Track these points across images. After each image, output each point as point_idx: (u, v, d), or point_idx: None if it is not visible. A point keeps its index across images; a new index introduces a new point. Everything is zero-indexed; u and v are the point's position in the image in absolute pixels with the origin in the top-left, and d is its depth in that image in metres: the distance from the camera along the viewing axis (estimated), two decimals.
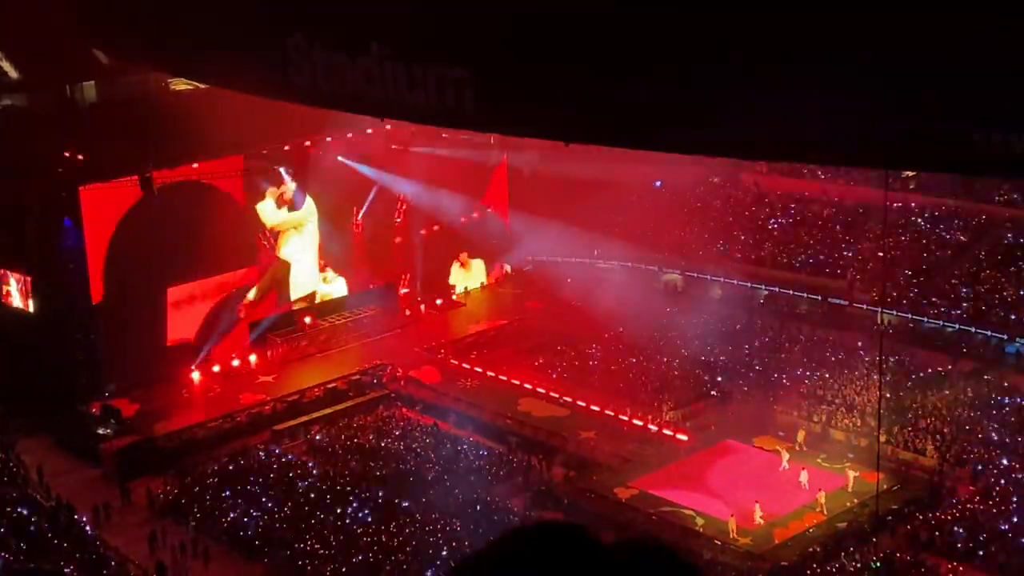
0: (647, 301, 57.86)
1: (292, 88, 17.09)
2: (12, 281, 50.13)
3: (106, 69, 50.70)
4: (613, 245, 62.84)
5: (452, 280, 63.28)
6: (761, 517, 39.48)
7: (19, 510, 39.19)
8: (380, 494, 41.93)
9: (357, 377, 51.60)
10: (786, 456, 43.00)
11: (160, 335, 51.12)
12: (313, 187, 56.63)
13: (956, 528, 38.45)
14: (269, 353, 53.99)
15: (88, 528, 39.58)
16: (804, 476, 41.17)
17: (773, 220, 61.28)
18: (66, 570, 35.39)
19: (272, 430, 47.66)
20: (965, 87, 12.74)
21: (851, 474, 41.76)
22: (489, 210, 64.35)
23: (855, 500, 40.51)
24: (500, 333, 57.36)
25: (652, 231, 63.02)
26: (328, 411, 49.12)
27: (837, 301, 54.79)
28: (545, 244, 62.21)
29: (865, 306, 53.50)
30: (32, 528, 38.10)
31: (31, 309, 49.50)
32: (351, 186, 58.08)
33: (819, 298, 55.51)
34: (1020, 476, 41.03)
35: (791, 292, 56.63)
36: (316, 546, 38.46)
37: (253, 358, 53.36)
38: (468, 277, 63.82)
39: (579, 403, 48.97)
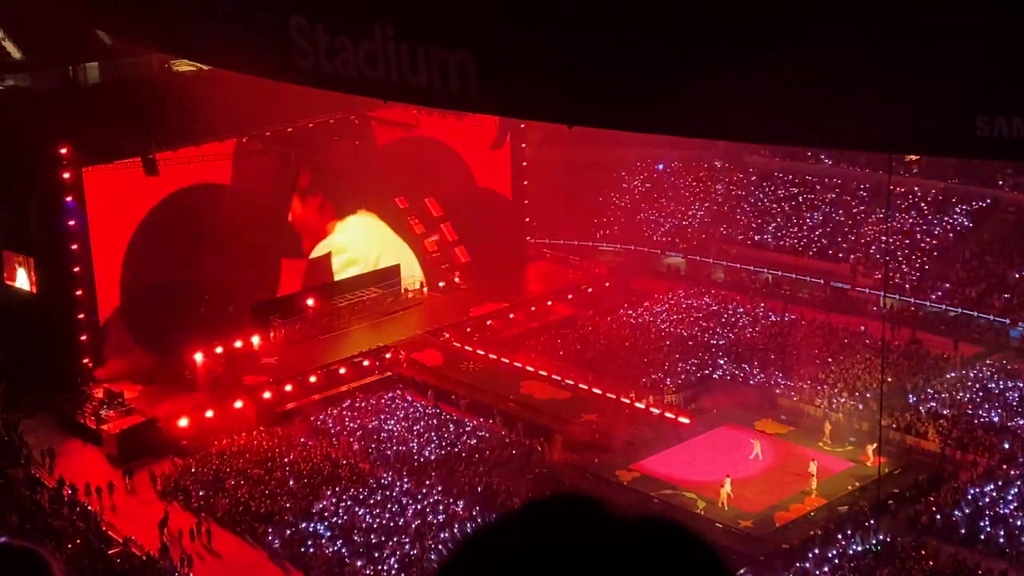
0: (649, 284, 57.92)
1: (295, 69, 17.10)
2: (15, 262, 50.15)
3: (109, 50, 50.62)
4: (616, 228, 62.88)
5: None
6: (731, 491, 39.67)
7: (22, 490, 39.33)
8: (382, 476, 42.04)
9: (359, 359, 51.63)
10: (758, 446, 42.75)
11: None
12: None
13: (957, 512, 38.50)
14: (272, 335, 54.03)
15: (91, 509, 39.69)
16: (814, 467, 41.10)
17: (776, 204, 61.24)
18: (67, 552, 35.52)
19: (275, 412, 47.71)
20: (969, 72, 12.73)
21: (870, 448, 41.83)
22: None
23: (856, 483, 40.60)
24: (502, 315, 57.34)
25: (655, 214, 63.04)
26: (330, 393, 49.15)
27: (840, 285, 54.81)
28: (548, 227, 62.24)
29: (868, 290, 53.54)
30: (35, 509, 38.22)
31: (34, 290, 49.54)
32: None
33: (822, 282, 55.52)
34: (1022, 460, 41.08)
35: (794, 276, 56.65)
36: (318, 528, 38.58)
37: (256, 339, 53.44)
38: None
39: (581, 386, 49.01)
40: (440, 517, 39.20)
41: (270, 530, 39.04)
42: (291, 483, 41.60)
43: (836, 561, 36.39)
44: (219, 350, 52.04)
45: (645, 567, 2.11)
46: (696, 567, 2.17)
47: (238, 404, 47.52)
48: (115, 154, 47.92)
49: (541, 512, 2.19)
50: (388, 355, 52.16)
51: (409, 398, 49.38)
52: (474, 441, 45.06)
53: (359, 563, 36.81)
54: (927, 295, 52.41)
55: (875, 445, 41.36)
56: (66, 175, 47.57)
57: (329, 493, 40.85)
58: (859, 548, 36.92)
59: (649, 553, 2.13)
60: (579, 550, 2.10)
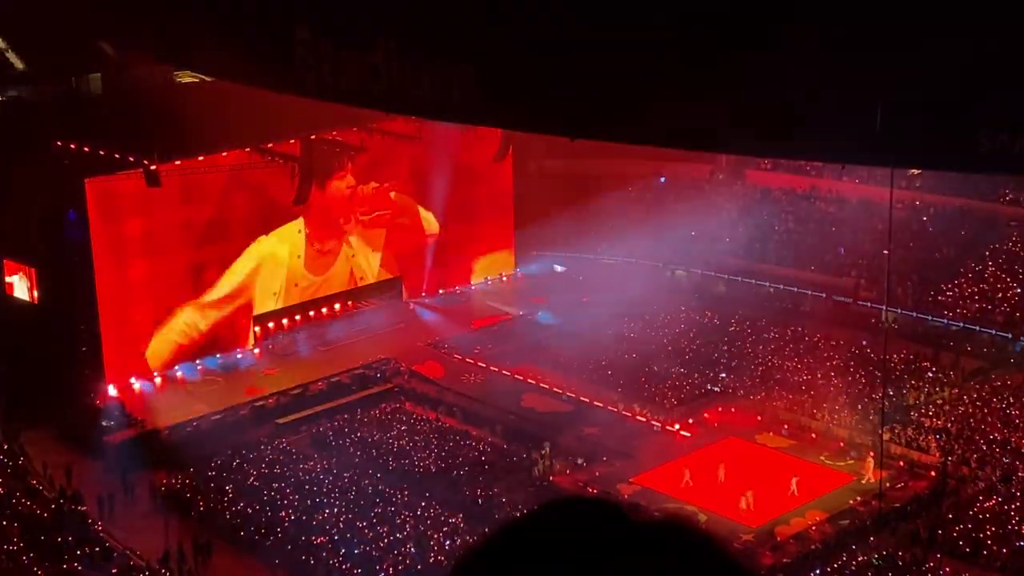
0: (651, 297, 57.86)
1: (298, 82, 17.12)
2: (17, 273, 50.15)
3: (112, 61, 50.69)
4: (618, 241, 62.85)
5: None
6: (724, 473, 41.09)
7: (24, 501, 39.26)
8: (382, 488, 41.97)
9: (360, 371, 51.61)
10: (692, 474, 42.53)
11: None
12: None
13: (958, 527, 38.43)
14: (270, 347, 54.08)
15: (91, 521, 39.59)
16: (794, 484, 41.08)
17: (778, 217, 61.22)
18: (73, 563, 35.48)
19: (275, 424, 47.67)
20: (971, 88, 12.74)
21: (870, 463, 41.79)
22: None
23: (857, 498, 40.56)
24: (504, 328, 57.36)
25: (657, 227, 62.99)
26: (331, 405, 49.11)
27: (842, 299, 54.76)
28: (550, 240, 62.27)
29: (870, 304, 53.47)
30: (35, 520, 38.17)
31: (35, 301, 49.53)
32: None
33: (824, 295, 55.47)
34: (1023, 475, 41.03)
35: (795, 289, 56.58)
36: (318, 540, 38.51)
37: (256, 351, 53.53)
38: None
39: (582, 399, 48.97)
40: (441, 530, 39.15)
41: (269, 543, 38.95)
42: (292, 495, 41.53)
43: (838, 574, 36.31)
44: (219, 360, 52.15)
45: (665, 568, 2.12)
46: (715, 569, 2.18)
47: (239, 416, 47.56)
48: (117, 165, 47.95)
49: (561, 513, 2.20)
50: (389, 367, 52.16)
51: (410, 410, 49.36)
52: (475, 453, 45.02)
53: (358, 571, 36.78)
54: (930, 309, 52.38)
55: (872, 460, 41.50)
56: (68, 186, 47.60)
57: (329, 506, 40.78)
58: (860, 562, 36.86)
59: (669, 554, 2.14)
60: (600, 550, 2.11)
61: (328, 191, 56.48)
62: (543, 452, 44.65)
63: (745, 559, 2.23)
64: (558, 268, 63.35)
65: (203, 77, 47.35)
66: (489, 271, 63.95)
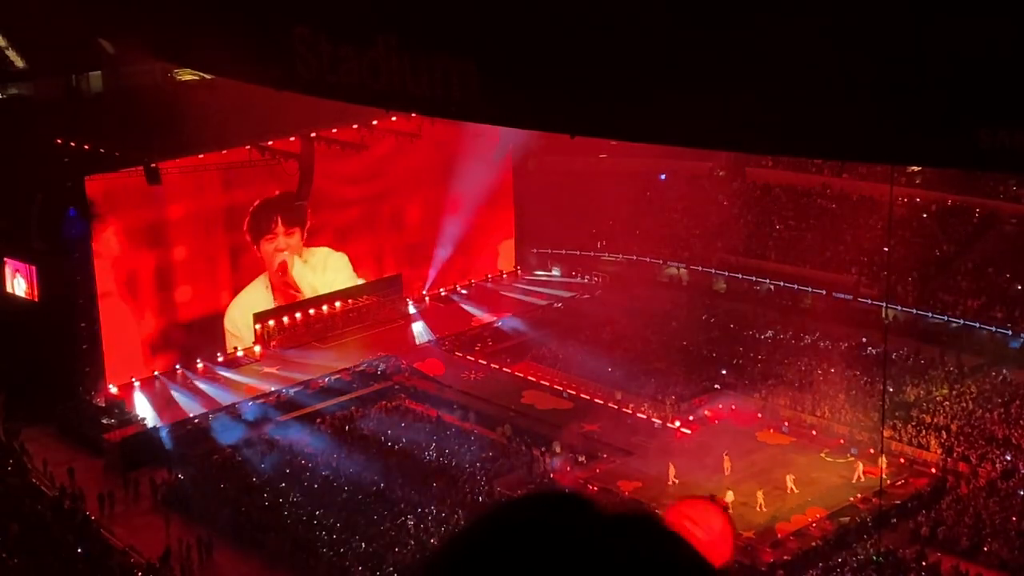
0: (651, 294, 57.88)
1: (297, 79, 17.08)
2: (17, 270, 50.17)
3: (112, 59, 50.69)
4: (617, 238, 62.85)
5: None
6: (675, 477, 40.97)
7: (23, 500, 39.28)
8: (383, 485, 41.97)
9: (361, 368, 51.62)
10: (728, 464, 42.60)
11: None
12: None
13: (958, 524, 38.42)
14: (272, 343, 54.12)
15: (91, 518, 39.61)
16: (790, 480, 41.10)
17: (777, 214, 61.19)
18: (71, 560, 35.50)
19: (276, 421, 47.68)
20: (971, 84, 12.72)
21: (859, 465, 41.75)
22: None
23: (858, 495, 40.54)
24: (504, 325, 57.32)
25: (656, 224, 62.97)
26: (332, 402, 49.12)
27: (842, 296, 54.74)
28: (550, 237, 62.30)
29: (870, 301, 53.45)
30: (36, 518, 38.18)
31: (36, 299, 49.54)
32: None
33: (824, 292, 55.46)
34: (1023, 472, 41.03)
35: (795, 287, 56.56)
36: (319, 536, 38.51)
37: (258, 348, 53.57)
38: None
39: (583, 395, 48.96)
40: (441, 527, 39.14)
41: (268, 539, 38.94)
42: (292, 493, 41.53)
43: (838, 571, 36.33)
44: (220, 358, 52.21)
45: (624, 562, 2.11)
46: (675, 560, 2.17)
47: (240, 413, 47.59)
48: (117, 163, 47.97)
49: (523, 509, 2.20)
50: (390, 364, 52.16)
51: (411, 407, 49.34)
52: (475, 450, 45.01)
53: (359, 567, 36.79)
54: (930, 306, 52.36)
55: (863, 466, 41.46)
56: (68, 184, 47.61)
57: (329, 502, 40.79)
58: (861, 559, 36.87)
59: (629, 547, 2.13)
60: (560, 544, 2.10)
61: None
62: (543, 449, 44.66)
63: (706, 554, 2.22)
64: (555, 273, 63.43)
65: (203, 75, 47.35)
66: (490, 269, 63.94)
